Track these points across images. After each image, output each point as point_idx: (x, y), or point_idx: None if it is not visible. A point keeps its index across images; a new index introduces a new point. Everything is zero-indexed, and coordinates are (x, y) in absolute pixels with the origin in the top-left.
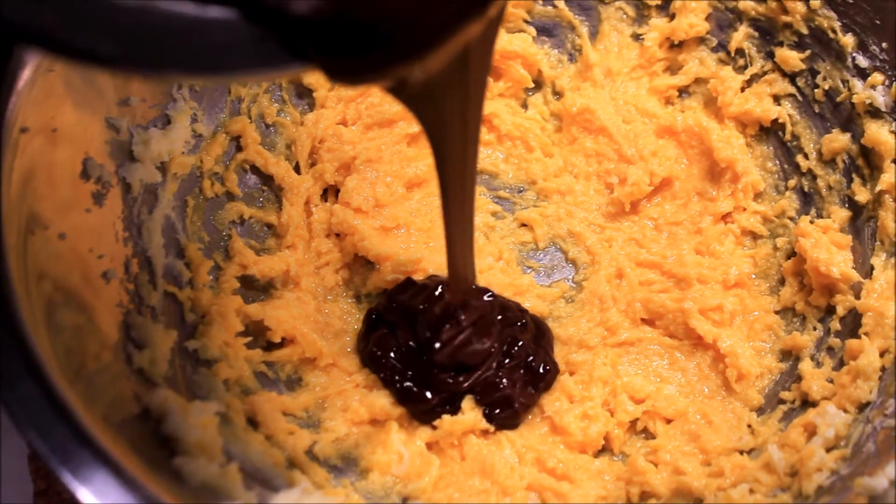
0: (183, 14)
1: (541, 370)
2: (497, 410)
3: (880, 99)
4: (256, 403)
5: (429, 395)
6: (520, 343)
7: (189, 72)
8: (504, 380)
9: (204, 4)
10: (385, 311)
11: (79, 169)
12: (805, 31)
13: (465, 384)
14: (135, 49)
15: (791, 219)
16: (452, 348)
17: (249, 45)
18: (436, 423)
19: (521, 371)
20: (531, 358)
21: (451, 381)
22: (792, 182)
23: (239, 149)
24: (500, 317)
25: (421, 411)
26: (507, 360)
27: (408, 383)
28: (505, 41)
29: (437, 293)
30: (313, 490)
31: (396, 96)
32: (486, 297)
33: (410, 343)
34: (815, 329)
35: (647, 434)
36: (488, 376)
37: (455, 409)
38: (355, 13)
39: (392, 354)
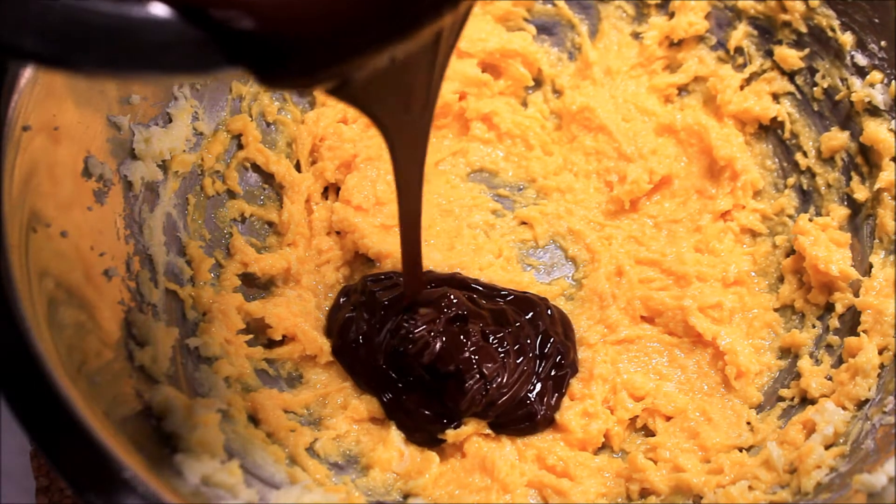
0: (115, 12)
1: (568, 370)
2: (515, 423)
3: (879, 97)
4: (257, 401)
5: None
6: (551, 339)
7: (115, 70)
8: (532, 393)
9: (143, 3)
10: (352, 293)
11: (80, 167)
12: (804, 29)
13: (493, 414)
14: (61, 45)
15: (790, 217)
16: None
17: (184, 46)
18: (440, 435)
19: (552, 373)
20: (560, 357)
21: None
22: (791, 180)
23: (240, 147)
24: (528, 315)
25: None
26: (541, 366)
27: (394, 406)
28: (505, 39)
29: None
30: (314, 487)
31: (335, 96)
32: (501, 300)
33: (366, 336)
34: (814, 326)
35: (647, 431)
36: (516, 392)
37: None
38: (297, 29)
39: (354, 345)
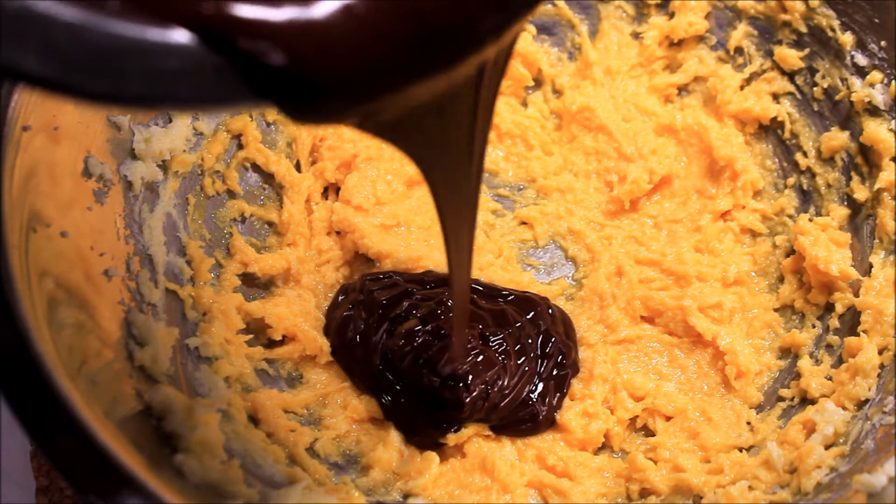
0: (128, 34)
1: (570, 369)
2: (516, 424)
3: (879, 97)
4: (257, 401)
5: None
6: (553, 339)
7: (122, 100)
8: (534, 393)
9: (165, 27)
10: (350, 292)
11: (80, 167)
12: (804, 29)
13: (497, 417)
14: (65, 68)
15: (790, 217)
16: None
17: (205, 77)
18: (441, 440)
19: (554, 373)
20: (562, 357)
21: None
22: (791, 180)
23: (240, 147)
24: (529, 315)
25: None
26: (543, 366)
27: (393, 410)
28: None
29: (405, 301)
30: (314, 487)
31: (363, 130)
32: (502, 300)
33: (363, 335)
34: (814, 326)
35: (647, 431)
36: (518, 393)
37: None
38: (332, 64)
39: (351, 345)
